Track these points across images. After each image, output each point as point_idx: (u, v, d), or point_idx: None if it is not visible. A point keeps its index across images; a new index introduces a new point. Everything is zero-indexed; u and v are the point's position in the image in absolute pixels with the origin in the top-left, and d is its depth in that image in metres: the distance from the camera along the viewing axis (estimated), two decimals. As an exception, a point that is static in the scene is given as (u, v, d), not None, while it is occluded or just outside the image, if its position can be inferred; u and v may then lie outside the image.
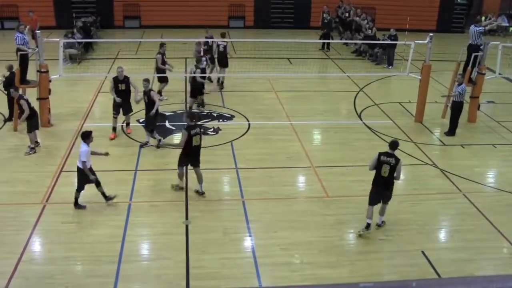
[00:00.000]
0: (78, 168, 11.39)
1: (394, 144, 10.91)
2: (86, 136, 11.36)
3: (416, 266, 10.15)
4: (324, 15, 27.15)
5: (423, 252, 10.52)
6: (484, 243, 11.00)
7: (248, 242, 10.80)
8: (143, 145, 14.73)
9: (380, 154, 10.92)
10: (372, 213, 10.96)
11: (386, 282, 9.12)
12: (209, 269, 9.88)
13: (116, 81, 15.09)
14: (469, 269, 10.19)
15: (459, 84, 16.12)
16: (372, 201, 11.02)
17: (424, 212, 12.09)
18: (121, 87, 15.09)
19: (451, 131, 16.40)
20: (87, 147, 11.31)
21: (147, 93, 14.50)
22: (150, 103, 14.49)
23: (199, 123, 16.28)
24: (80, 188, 11.53)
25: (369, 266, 10.16)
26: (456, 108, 16.30)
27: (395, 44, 22.97)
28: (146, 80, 14.54)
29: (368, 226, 10.97)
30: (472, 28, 17.68)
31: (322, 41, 26.91)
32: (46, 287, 9.28)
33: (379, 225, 11.27)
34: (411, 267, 10.10)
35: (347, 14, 28.85)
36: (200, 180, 12.20)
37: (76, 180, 11.61)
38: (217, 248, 10.47)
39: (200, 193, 12.25)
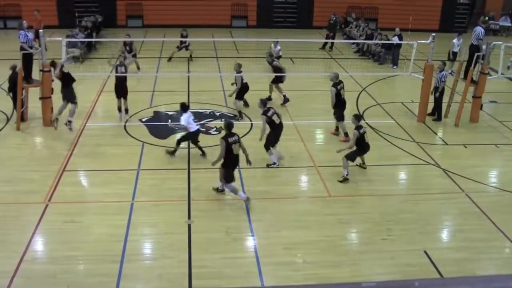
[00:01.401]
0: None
1: (358, 116, 13.47)
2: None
3: (418, 265, 10.15)
4: (331, 16, 27.34)
5: (425, 252, 10.51)
6: (486, 243, 10.99)
7: (250, 242, 10.80)
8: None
9: (359, 127, 13.14)
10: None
11: (388, 281, 9.10)
12: (211, 268, 9.88)
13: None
14: (471, 269, 10.18)
15: (440, 71, 17.16)
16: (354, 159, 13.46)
17: (426, 211, 12.08)
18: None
19: (438, 117, 17.48)
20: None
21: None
22: None
23: (201, 122, 16.36)
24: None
25: (371, 266, 10.16)
26: (439, 94, 17.27)
27: (400, 44, 22.97)
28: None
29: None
30: (479, 28, 17.60)
31: (324, 40, 26.96)
32: (48, 286, 9.30)
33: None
34: (413, 267, 10.09)
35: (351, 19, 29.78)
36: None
37: (78, 179, 11.60)
38: (220, 248, 10.47)
39: (220, 190, 12.35)
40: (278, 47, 22.11)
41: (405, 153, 14.98)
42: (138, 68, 21.35)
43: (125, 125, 16.02)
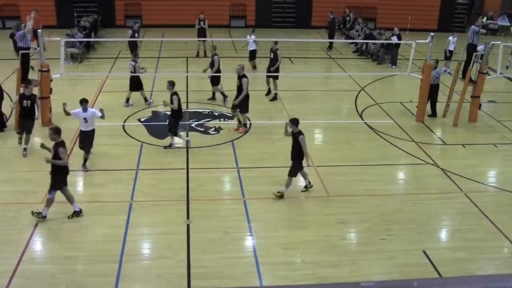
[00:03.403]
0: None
1: (295, 120, 12.21)
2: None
3: (417, 265, 10.15)
4: (329, 14, 27.40)
5: (424, 252, 10.52)
6: (485, 243, 11.00)
7: (249, 242, 10.80)
8: (167, 147, 14.68)
9: (301, 132, 12.12)
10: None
11: (387, 281, 9.10)
12: (210, 268, 9.88)
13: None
14: (470, 269, 10.19)
15: (434, 68, 17.15)
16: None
17: (425, 211, 12.08)
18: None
19: (433, 113, 17.61)
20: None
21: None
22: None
23: (200, 122, 16.36)
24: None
25: (370, 266, 10.16)
26: (434, 90, 17.31)
27: (399, 43, 22.99)
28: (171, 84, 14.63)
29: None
30: (473, 27, 17.72)
31: (322, 40, 26.98)
32: (47, 286, 9.29)
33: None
34: (412, 267, 10.10)
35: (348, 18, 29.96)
36: None
37: (76, 179, 11.59)
38: (218, 248, 10.47)
39: None
40: (253, 36, 21.85)
41: (404, 153, 14.99)
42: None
43: (123, 125, 16.00)
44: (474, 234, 11.27)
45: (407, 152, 14.99)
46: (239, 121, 16.03)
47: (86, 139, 13.31)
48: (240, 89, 15.70)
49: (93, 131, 13.35)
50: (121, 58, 23.56)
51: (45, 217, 10.99)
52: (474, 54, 17.06)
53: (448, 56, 23.13)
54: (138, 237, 10.87)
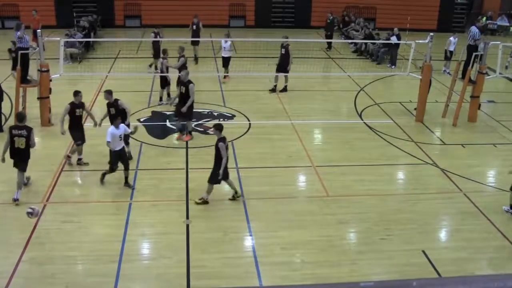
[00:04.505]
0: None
1: (218, 126, 11.81)
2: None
3: (416, 265, 10.15)
4: (328, 15, 27.41)
5: (423, 252, 10.52)
6: (485, 243, 11.00)
7: (248, 242, 10.80)
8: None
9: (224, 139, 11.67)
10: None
11: (386, 281, 9.10)
12: (209, 268, 9.88)
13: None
14: (470, 269, 10.19)
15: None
16: None
17: (425, 211, 12.09)
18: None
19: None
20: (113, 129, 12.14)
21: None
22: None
23: (199, 122, 16.37)
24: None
25: (370, 266, 10.16)
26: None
27: (398, 44, 23.00)
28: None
29: None
30: (474, 28, 17.69)
31: (322, 40, 27.01)
32: (47, 286, 9.29)
33: None
34: (412, 267, 10.10)
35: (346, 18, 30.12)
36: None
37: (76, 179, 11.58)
38: (218, 248, 10.47)
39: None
40: (229, 42, 20.99)
41: (403, 153, 14.99)
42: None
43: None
44: (474, 234, 11.27)
45: (407, 152, 15.00)
46: (180, 131, 15.41)
47: (123, 156, 12.48)
48: (184, 95, 14.75)
49: (123, 148, 12.59)
50: (120, 58, 23.57)
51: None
52: (474, 54, 17.05)
53: (449, 56, 23.13)
54: (138, 237, 10.86)
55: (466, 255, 10.58)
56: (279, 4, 32.70)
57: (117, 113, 13.18)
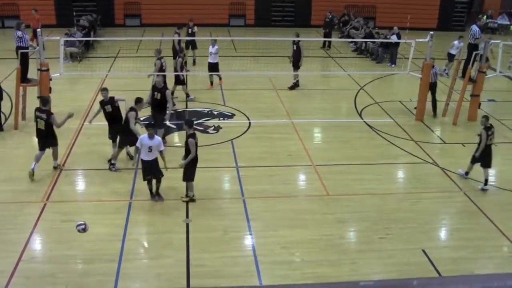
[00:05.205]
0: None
1: (188, 121, 11.87)
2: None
3: (416, 264, 10.16)
4: (327, 14, 27.40)
5: (423, 251, 10.52)
6: (485, 242, 11.00)
7: (248, 241, 10.80)
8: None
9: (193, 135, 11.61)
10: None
11: (386, 280, 9.12)
12: (209, 267, 9.88)
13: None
14: (470, 268, 10.19)
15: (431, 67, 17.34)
16: None
17: (425, 210, 12.09)
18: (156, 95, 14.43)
19: (434, 111, 17.60)
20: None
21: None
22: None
23: (199, 121, 16.36)
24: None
25: (370, 265, 10.16)
26: (432, 88, 17.38)
27: (398, 42, 22.98)
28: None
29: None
30: (474, 27, 17.68)
31: (323, 39, 27.03)
32: (47, 285, 9.29)
33: None
34: (412, 266, 10.10)
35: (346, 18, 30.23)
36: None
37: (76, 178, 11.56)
38: (218, 247, 10.47)
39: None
40: (216, 47, 19.80)
41: (403, 152, 14.99)
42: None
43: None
44: (474, 233, 11.27)
45: (407, 151, 14.99)
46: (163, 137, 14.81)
47: (153, 168, 11.88)
48: (159, 102, 14.23)
49: (156, 160, 11.88)
50: (120, 57, 23.56)
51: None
52: (474, 53, 17.04)
53: (450, 59, 22.93)
54: (138, 236, 10.87)
55: (466, 254, 10.58)
56: (279, 3, 32.67)
57: (113, 111, 13.37)
